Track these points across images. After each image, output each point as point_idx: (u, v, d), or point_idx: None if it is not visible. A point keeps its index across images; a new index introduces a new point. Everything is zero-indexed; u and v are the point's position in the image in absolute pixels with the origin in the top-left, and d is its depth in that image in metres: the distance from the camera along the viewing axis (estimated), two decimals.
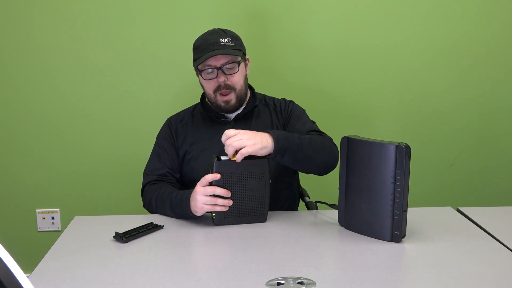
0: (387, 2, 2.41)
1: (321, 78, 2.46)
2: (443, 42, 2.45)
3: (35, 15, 2.34)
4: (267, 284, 1.17)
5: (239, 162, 1.50)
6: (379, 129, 2.51)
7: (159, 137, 1.87)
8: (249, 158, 1.51)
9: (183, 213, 1.59)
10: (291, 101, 1.90)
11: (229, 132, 1.51)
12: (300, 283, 1.17)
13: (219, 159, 1.52)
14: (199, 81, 1.82)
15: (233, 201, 1.53)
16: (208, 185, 1.51)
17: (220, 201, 1.51)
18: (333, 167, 1.70)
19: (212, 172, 1.51)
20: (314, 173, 1.72)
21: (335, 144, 1.71)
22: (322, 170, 1.70)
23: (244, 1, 2.38)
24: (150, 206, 1.72)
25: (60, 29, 2.36)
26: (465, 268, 1.26)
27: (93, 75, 2.41)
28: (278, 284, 1.17)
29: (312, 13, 2.40)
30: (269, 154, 1.55)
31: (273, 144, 1.53)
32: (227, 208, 1.52)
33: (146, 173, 1.81)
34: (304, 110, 1.89)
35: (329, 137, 1.75)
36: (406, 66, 2.47)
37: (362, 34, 2.43)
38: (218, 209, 1.51)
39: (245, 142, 1.49)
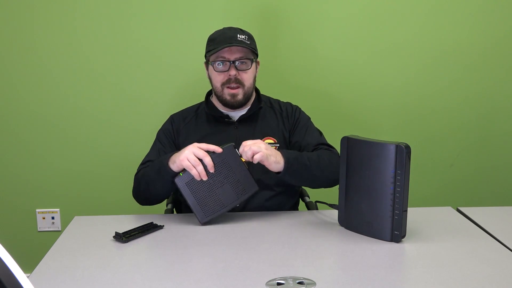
0: (387, 4, 2.40)
1: (321, 78, 2.46)
2: (443, 43, 2.45)
3: (35, 14, 2.34)
4: (267, 284, 1.17)
5: (243, 162, 1.55)
6: (379, 129, 2.51)
7: (160, 132, 1.86)
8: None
9: (160, 165, 1.58)
10: (297, 107, 1.90)
11: (246, 142, 1.55)
12: (300, 283, 1.17)
13: (234, 147, 1.55)
14: (208, 74, 1.82)
15: (214, 190, 1.54)
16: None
17: (200, 168, 1.50)
18: (334, 185, 1.71)
19: (227, 144, 1.55)
20: (319, 188, 1.76)
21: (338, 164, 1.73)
22: (327, 185, 1.73)
23: (243, 2, 2.38)
24: (138, 184, 1.71)
25: (59, 27, 2.35)
26: (465, 268, 1.26)
27: (93, 75, 2.40)
28: (278, 284, 1.17)
29: (315, 14, 2.40)
30: (278, 173, 1.59)
31: (284, 163, 1.57)
32: (199, 178, 1.51)
33: (141, 164, 1.80)
34: (310, 118, 1.89)
35: (336, 151, 1.76)
36: (406, 66, 2.47)
37: (362, 35, 2.43)
38: (193, 172, 1.50)
39: (264, 150, 1.53)
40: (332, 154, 1.73)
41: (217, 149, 1.53)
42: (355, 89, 2.47)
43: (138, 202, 1.77)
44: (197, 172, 1.51)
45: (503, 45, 2.47)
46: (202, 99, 1.92)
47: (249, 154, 1.52)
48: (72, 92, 2.41)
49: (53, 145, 2.45)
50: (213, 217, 1.56)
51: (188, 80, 2.42)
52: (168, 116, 1.91)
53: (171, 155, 1.59)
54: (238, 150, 1.56)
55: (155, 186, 1.63)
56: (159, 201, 1.74)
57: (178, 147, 1.81)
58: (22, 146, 2.45)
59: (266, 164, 1.55)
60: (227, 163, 1.55)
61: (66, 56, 2.38)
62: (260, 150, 1.52)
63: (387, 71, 2.47)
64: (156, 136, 1.87)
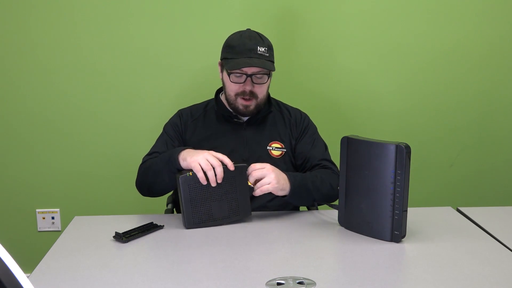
0: (388, 4, 2.41)
1: (321, 78, 2.46)
2: (443, 43, 2.45)
3: (36, 13, 2.33)
4: (267, 284, 1.17)
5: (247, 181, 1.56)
6: (379, 129, 2.51)
7: (168, 125, 1.86)
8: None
9: (170, 157, 1.58)
10: (306, 116, 1.90)
11: (254, 166, 1.56)
12: (300, 283, 1.17)
13: (245, 167, 1.56)
14: (222, 77, 1.81)
15: (211, 201, 1.54)
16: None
17: (210, 173, 1.50)
18: (334, 200, 1.73)
19: (232, 162, 1.54)
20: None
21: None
22: (322, 203, 1.75)
23: (256, 4, 2.38)
24: (144, 174, 1.70)
25: (60, 27, 2.35)
26: (465, 268, 1.26)
27: (94, 75, 2.40)
28: (278, 284, 1.17)
29: (329, 17, 2.40)
30: (284, 196, 1.61)
31: (290, 188, 1.59)
32: (204, 182, 1.51)
33: (147, 154, 1.79)
34: (317, 128, 1.90)
35: (337, 171, 1.77)
36: (406, 66, 2.47)
37: (362, 34, 2.43)
38: (200, 175, 1.49)
39: (274, 183, 1.54)
40: (334, 176, 1.74)
41: (230, 165, 1.53)
42: (356, 89, 2.47)
43: (141, 192, 1.76)
44: (203, 176, 1.50)
45: (503, 45, 2.47)
46: (206, 99, 1.92)
47: (251, 180, 1.55)
48: (72, 91, 2.41)
49: (54, 145, 2.45)
50: (199, 227, 1.54)
51: (190, 82, 2.42)
52: (168, 117, 1.90)
53: (183, 149, 1.58)
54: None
55: (163, 177, 1.62)
56: (162, 193, 1.73)
57: (185, 142, 1.81)
58: (22, 146, 2.45)
59: (273, 192, 1.57)
60: (233, 181, 1.54)
61: (66, 56, 2.38)
62: (270, 182, 1.54)
63: (388, 71, 2.47)
64: (163, 129, 1.86)
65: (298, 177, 1.65)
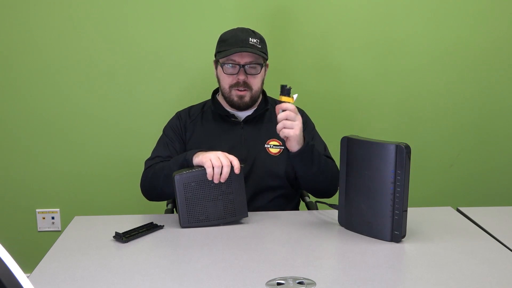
0: (388, 2, 2.41)
1: (321, 78, 2.46)
2: (443, 42, 2.45)
3: (37, 14, 2.34)
4: (267, 284, 1.17)
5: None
6: (379, 129, 2.51)
7: (167, 128, 1.86)
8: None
9: (183, 160, 1.59)
10: (303, 112, 1.90)
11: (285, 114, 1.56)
12: (300, 283, 1.17)
13: (242, 168, 1.56)
14: (216, 74, 1.82)
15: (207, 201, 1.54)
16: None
17: (217, 170, 1.50)
18: (330, 195, 1.74)
19: (240, 164, 1.54)
20: (311, 191, 1.80)
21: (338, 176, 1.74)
22: (318, 192, 1.76)
23: (251, 2, 2.37)
24: (154, 178, 1.68)
25: (61, 27, 2.35)
26: (465, 268, 1.26)
27: (94, 75, 2.40)
28: (278, 284, 1.17)
29: (323, 15, 2.40)
30: (293, 151, 1.60)
31: (303, 145, 1.60)
32: (210, 178, 1.50)
33: (150, 159, 1.78)
34: (314, 126, 1.90)
35: (336, 166, 1.77)
36: (406, 66, 2.47)
37: (362, 33, 2.43)
38: (209, 171, 1.50)
39: (297, 131, 1.56)
40: (335, 169, 1.75)
41: (236, 168, 1.52)
42: (356, 89, 2.48)
43: (148, 197, 1.75)
44: (212, 172, 1.50)
45: (503, 45, 2.47)
46: (206, 99, 1.92)
47: (284, 132, 1.55)
48: (72, 92, 2.41)
49: (54, 145, 2.45)
50: (195, 226, 1.54)
51: (191, 82, 2.42)
52: (168, 118, 1.90)
53: (199, 150, 1.60)
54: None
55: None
56: (173, 196, 1.73)
57: (186, 143, 1.81)
58: (23, 146, 2.45)
59: (289, 141, 1.56)
60: (230, 182, 1.54)
61: (67, 56, 2.38)
62: (293, 128, 1.54)
63: (387, 71, 2.47)
64: (163, 132, 1.86)
65: (313, 145, 1.65)
